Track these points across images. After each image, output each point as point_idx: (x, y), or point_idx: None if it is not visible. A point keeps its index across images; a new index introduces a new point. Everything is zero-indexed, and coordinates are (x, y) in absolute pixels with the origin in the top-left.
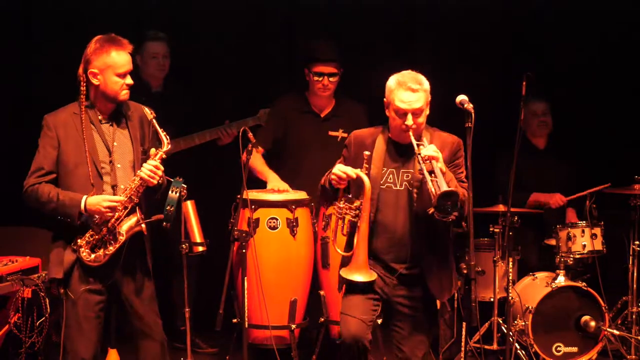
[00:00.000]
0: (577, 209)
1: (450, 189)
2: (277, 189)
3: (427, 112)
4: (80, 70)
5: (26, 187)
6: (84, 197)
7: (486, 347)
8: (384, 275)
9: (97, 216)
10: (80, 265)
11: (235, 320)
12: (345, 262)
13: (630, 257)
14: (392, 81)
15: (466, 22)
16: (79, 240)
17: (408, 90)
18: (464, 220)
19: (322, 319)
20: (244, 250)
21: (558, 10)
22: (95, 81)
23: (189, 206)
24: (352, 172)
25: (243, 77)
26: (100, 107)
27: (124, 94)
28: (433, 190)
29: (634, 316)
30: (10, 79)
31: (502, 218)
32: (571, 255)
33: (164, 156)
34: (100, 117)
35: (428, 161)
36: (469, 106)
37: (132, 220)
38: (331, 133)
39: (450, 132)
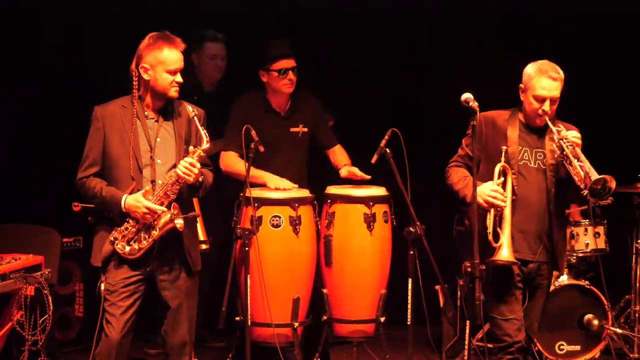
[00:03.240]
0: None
1: (602, 175)
2: (283, 187)
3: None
4: (133, 65)
5: (77, 180)
6: (124, 196)
7: (489, 345)
8: (527, 251)
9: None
10: (118, 256)
11: (238, 318)
12: (491, 253)
13: (634, 256)
14: (533, 69)
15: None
16: (115, 233)
17: (549, 78)
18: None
19: (325, 317)
20: (247, 248)
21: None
22: (146, 76)
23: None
24: (501, 197)
25: None
26: (149, 102)
27: (174, 91)
28: (582, 173)
29: (637, 315)
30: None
31: None
32: (574, 254)
33: (202, 154)
34: (146, 113)
35: (572, 147)
36: (474, 104)
37: (166, 216)
38: (292, 130)
39: None
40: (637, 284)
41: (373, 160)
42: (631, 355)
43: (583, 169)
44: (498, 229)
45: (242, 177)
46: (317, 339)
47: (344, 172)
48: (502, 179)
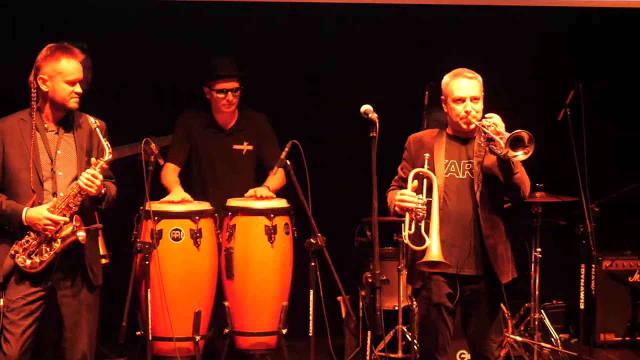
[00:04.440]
0: None
1: (518, 131)
2: (175, 200)
3: (482, 104)
4: (31, 77)
5: None
6: (25, 209)
7: (391, 355)
8: (458, 266)
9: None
10: (19, 271)
11: (139, 333)
12: (418, 257)
13: (532, 264)
14: (447, 76)
15: None
16: (15, 246)
17: (464, 78)
18: (519, 202)
19: (227, 330)
20: (147, 262)
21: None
22: (44, 87)
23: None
24: (410, 199)
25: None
26: (48, 114)
27: (73, 102)
28: (502, 143)
29: (536, 322)
30: None
31: None
32: None
33: (104, 166)
34: (46, 125)
35: (492, 127)
36: (374, 116)
37: (68, 228)
38: (235, 147)
39: None
40: (537, 292)
41: (274, 173)
42: None
43: (503, 139)
44: (425, 235)
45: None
46: (219, 352)
47: (249, 193)
48: (416, 182)
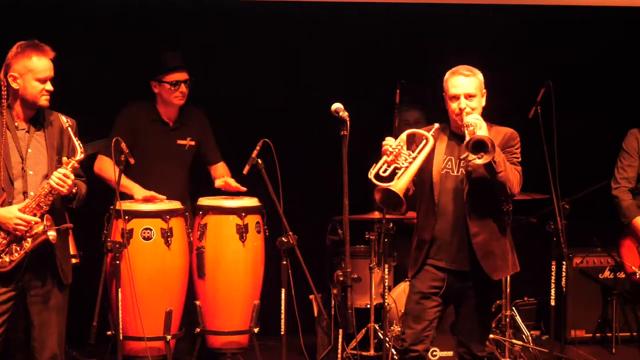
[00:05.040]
0: None
1: (480, 135)
2: (148, 197)
3: (482, 102)
4: (1, 74)
5: None
6: None
7: (363, 353)
8: (447, 260)
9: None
10: None
11: (109, 333)
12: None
13: None
14: (447, 73)
15: None
16: None
17: (460, 76)
18: (509, 199)
19: (198, 329)
20: (117, 262)
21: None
22: (15, 85)
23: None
24: (389, 142)
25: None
26: (19, 112)
27: (44, 100)
28: (468, 138)
29: (507, 320)
30: None
31: (378, 225)
32: None
33: (76, 165)
34: (17, 123)
35: (471, 128)
36: (344, 114)
37: (39, 227)
38: (179, 142)
39: None
40: (508, 290)
41: (245, 171)
42: None
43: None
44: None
45: (112, 183)
46: (190, 351)
47: (219, 182)
48: (403, 138)
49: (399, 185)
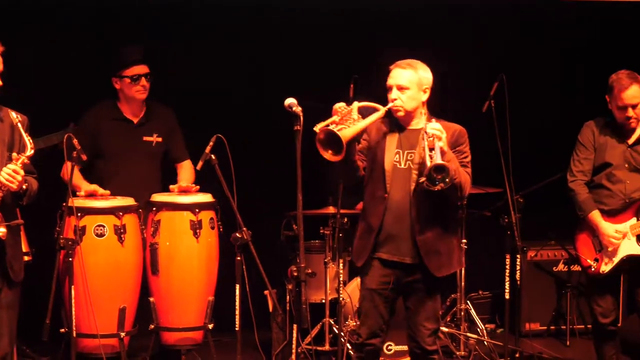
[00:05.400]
0: None
1: (441, 162)
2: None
3: (418, 96)
4: None
5: None
6: None
7: (318, 348)
8: (395, 253)
9: None
10: None
11: (63, 330)
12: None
13: None
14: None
15: None
16: None
17: (397, 67)
18: (463, 200)
19: (152, 326)
20: (70, 259)
21: None
22: None
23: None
24: (340, 104)
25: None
26: None
27: None
28: (428, 163)
29: (462, 313)
30: None
31: (332, 220)
32: None
33: (26, 161)
34: None
35: (431, 138)
36: (297, 109)
37: None
38: (145, 138)
39: None
40: (462, 283)
41: (198, 167)
42: (457, 353)
43: (430, 159)
44: None
45: (74, 187)
46: (144, 348)
47: (172, 188)
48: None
49: (343, 132)
